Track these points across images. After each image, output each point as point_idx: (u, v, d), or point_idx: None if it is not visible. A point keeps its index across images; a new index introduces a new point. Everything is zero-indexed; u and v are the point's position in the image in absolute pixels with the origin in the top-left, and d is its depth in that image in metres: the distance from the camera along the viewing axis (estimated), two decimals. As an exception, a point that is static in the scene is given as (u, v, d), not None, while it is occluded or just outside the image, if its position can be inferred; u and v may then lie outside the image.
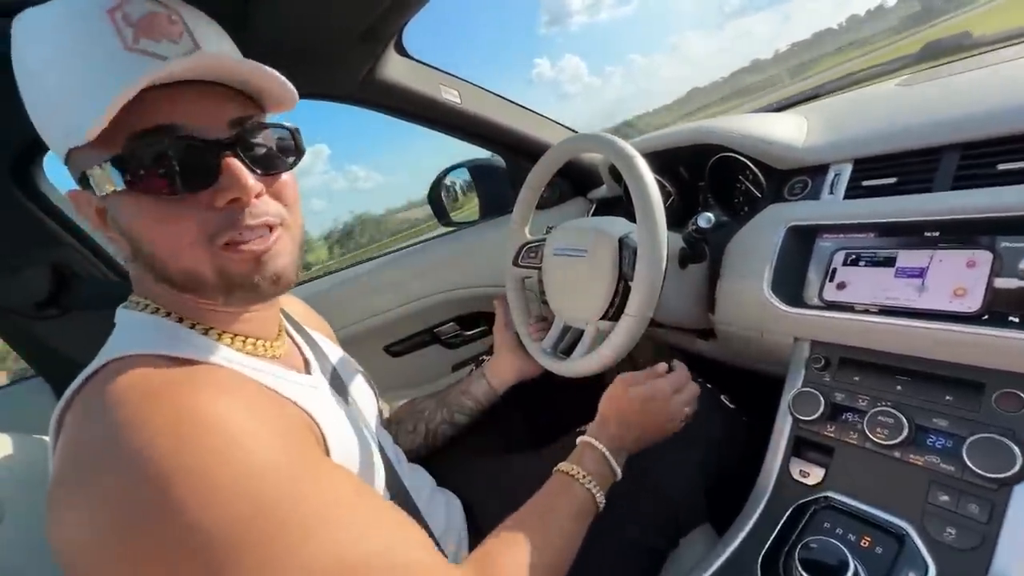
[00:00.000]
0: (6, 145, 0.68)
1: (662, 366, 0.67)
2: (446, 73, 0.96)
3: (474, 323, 1.21)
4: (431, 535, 0.54)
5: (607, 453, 0.58)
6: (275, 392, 0.43)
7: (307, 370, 0.55)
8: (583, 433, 0.68)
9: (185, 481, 0.31)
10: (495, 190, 1.23)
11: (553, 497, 0.55)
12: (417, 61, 0.92)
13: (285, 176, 0.45)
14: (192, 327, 0.44)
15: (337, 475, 0.41)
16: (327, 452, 0.45)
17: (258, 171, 0.41)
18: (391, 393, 1.11)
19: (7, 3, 0.51)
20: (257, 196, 0.41)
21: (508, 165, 1.20)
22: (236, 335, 0.46)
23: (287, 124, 0.45)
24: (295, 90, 0.43)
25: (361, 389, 0.64)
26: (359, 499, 0.40)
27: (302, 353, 0.57)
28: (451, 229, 1.24)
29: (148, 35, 0.38)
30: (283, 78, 0.41)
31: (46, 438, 0.60)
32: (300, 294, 1.08)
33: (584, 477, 0.56)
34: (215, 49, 0.42)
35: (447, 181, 1.29)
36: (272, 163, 0.43)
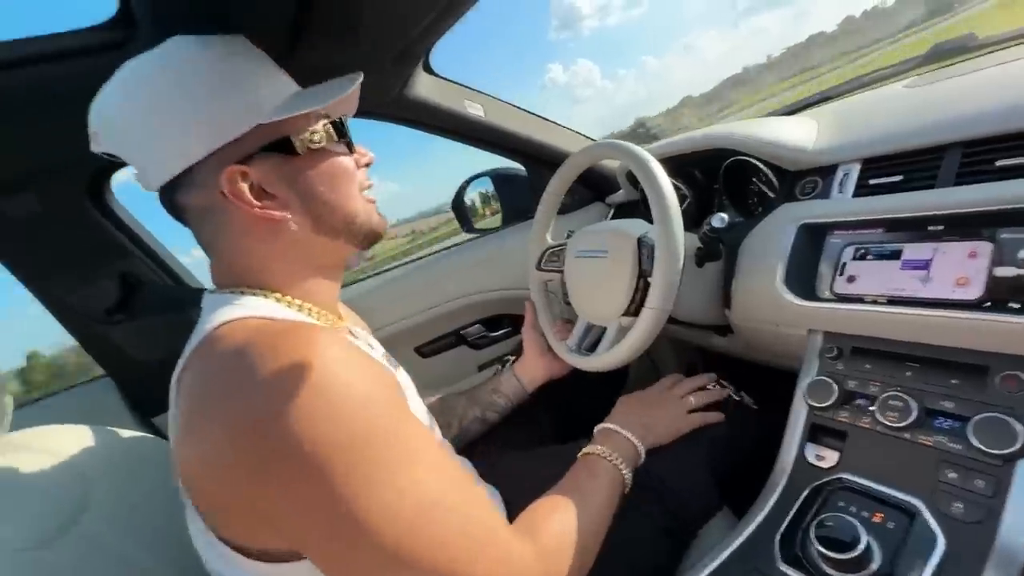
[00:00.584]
0: (83, 167, 0.77)
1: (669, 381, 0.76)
2: (470, 89, 1.03)
3: (498, 325, 1.26)
4: None
5: (623, 431, 0.64)
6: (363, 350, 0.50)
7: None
8: None
9: (313, 396, 0.36)
10: (517, 198, 1.28)
11: (583, 476, 0.60)
12: (443, 79, 0.98)
13: None
14: (277, 300, 0.51)
15: (423, 427, 0.46)
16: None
17: None
18: (421, 392, 1.16)
19: (109, 40, 0.60)
20: None
21: (529, 173, 1.25)
22: (316, 308, 0.54)
23: None
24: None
25: (407, 378, 0.70)
26: (442, 452, 0.45)
27: (357, 338, 0.63)
28: (475, 236, 1.30)
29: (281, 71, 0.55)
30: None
31: (118, 430, 0.67)
32: (342, 295, 1.15)
33: (611, 455, 0.61)
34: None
35: (470, 191, 1.36)
36: None
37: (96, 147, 0.50)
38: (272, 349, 0.38)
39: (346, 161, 0.54)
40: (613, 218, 1.22)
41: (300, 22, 0.65)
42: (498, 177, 1.31)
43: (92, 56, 0.62)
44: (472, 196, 1.37)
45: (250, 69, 0.50)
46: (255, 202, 0.48)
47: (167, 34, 0.65)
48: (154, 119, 0.47)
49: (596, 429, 0.68)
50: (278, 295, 0.51)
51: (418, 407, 0.53)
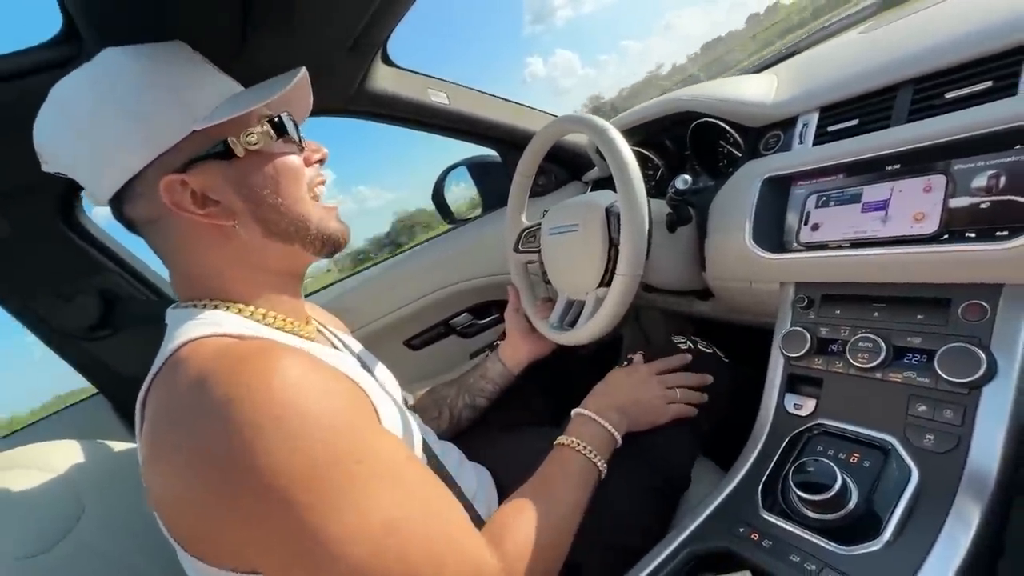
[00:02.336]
0: (51, 187, 0.77)
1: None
2: (432, 77, 1.02)
3: (486, 312, 1.27)
4: (463, 497, 0.59)
5: (599, 419, 0.63)
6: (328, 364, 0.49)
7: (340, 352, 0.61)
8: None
9: (273, 428, 0.35)
10: (494, 184, 1.28)
11: (554, 468, 0.60)
12: (403, 69, 0.98)
13: None
14: (239, 312, 0.50)
15: (390, 440, 0.46)
16: (378, 419, 0.49)
17: None
18: (413, 384, 1.16)
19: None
20: None
21: (503, 159, 1.25)
22: (279, 316, 0.53)
23: None
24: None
25: (386, 375, 0.70)
26: (409, 465, 0.44)
27: (330, 340, 0.64)
28: (456, 226, 1.31)
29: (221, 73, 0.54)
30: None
31: (110, 443, 0.68)
32: (320, 299, 1.15)
33: (580, 445, 0.61)
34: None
35: (448, 182, 1.36)
36: None
37: (45, 167, 0.51)
38: (230, 377, 0.38)
39: (291, 160, 0.52)
40: (590, 195, 1.22)
41: (244, 23, 0.65)
42: (473, 166, 1.30)
43: (42, 74, 0.62)
44: (455, 189, 1.37)
45: (184, 74, 0.50)
46: (198, 210, 0.48)
47: (112, 44, 0.65)
48: (89, 136, 0.46)
49: (573, 413, 0.67)
50: (240, 306, 0.50)
51: (390, 412, 0.52)
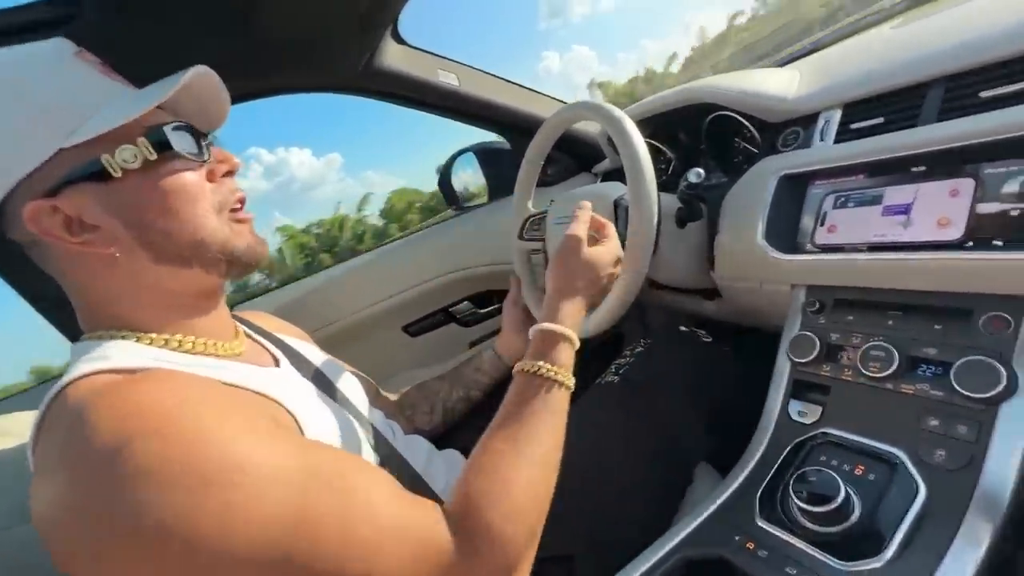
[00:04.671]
0: None
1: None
2: (443, 58, 0.99)
3: (488, 301, 1.25)
4: (431, 492, 0.56)
5: (568, 331, 0.56)
6: (234, 385, 0.45)
7: (276, 364, 0.57)
8: (599, 384, 0.71)
9: (132, 475, 0.33)
10: (502, 171, 1.25)
11: (527, 410, 0.50)
12: (414, 48, 0.95)
13: None
14: (148, 343, 0.46)
15: (298, 446, 0.41)
16: (300, 429, 0.46)
17: None
18: (410, 371, 1.15)
19: None
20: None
21: (512, 145, 1.22)
22: (193, 338, 0.48)
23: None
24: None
25: (340, 375, 0.66)
26: (326, 463, 0.40)
27: (269, 351, 0.59)
28: (460, 212, 1.28)
29: (108, 73, 0.47)
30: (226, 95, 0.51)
31: None
32: (318, 280, 1.14)
33: (557, 371, 0.53)
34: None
35: (455, 168, 1.34)
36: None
37: None
38: (99, 417, 0.35)
39: (183, 179, 0.46)
40: (599, 187, 1.20)
41: None
42: (481, 152, 1.28)
43: (28, 35, 0.60)
44: (462, 175, 1.35)
45: (57, 83, 0.44)
46: (70, 238, 0.43)
47: (112, 8, 0.63)
48: None
49: (532, 331, 0.57)
50: (140, 334, 0.46)
51: (322, 420, 0.50)
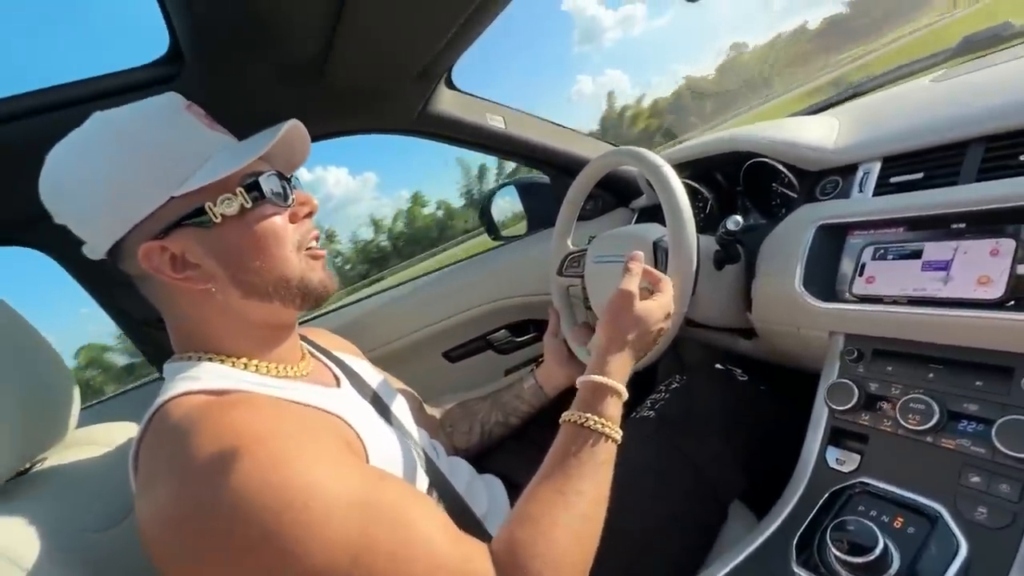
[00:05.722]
0: None
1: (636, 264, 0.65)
2: (490, 102, 1.06)
3: (524, 330, 1.29)
4: (473, 517, 0.60)
5: (617, 385, 0.57)
6: (305, 404, 0.51)
7: (337, 384, 0.62)
8: (634, 418, 0.73)
9: (227, 492, 0.38)
10: (541, 205, 1.30)
11: (568, 455, 0.52)
12: (464, 93, 1.02)
13: None
14: (230, 364, 0.52)
15: (362, 472, 0.46)
16: (364, 449, 0.51)
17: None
18: (449, 395, 1.19)
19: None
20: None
21: (552, 181, 1.27)
22: (266, 363, 0.54)
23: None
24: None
25: (393, 395, 0.70)
26: (386, 493, 0.44)
27: (331, 371, 0.64)
28: (501, 243, 1.34)
29: (213, 126, 0.53)
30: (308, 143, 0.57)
31: None
32: (363, 306, 1.20)
33: (604, 424, 0.53)
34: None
35: (495, 199, 1.40)
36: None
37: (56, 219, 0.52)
38: (197, 436, 0.41)
39: (272, 223, 0.51)
40: (636, 223, 1.23)
41: (327, 50, 0.70)
42: (522, 185, 1.34)
43: (145, 90, 0.69)
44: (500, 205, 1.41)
45: (165, 136, 0.49)
46: (175, 275, 0.49)
47: (210, 66, 0.71)
48: (75, 202, 0.49)
49: (581, 381, 0.58)
50: (224, 357, 0.52)
51: (383, 440, 0.54)
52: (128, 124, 0.49)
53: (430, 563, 0.42)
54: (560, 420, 0.56)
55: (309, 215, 0.56)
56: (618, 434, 0.55)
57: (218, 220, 0.49)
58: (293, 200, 0.54)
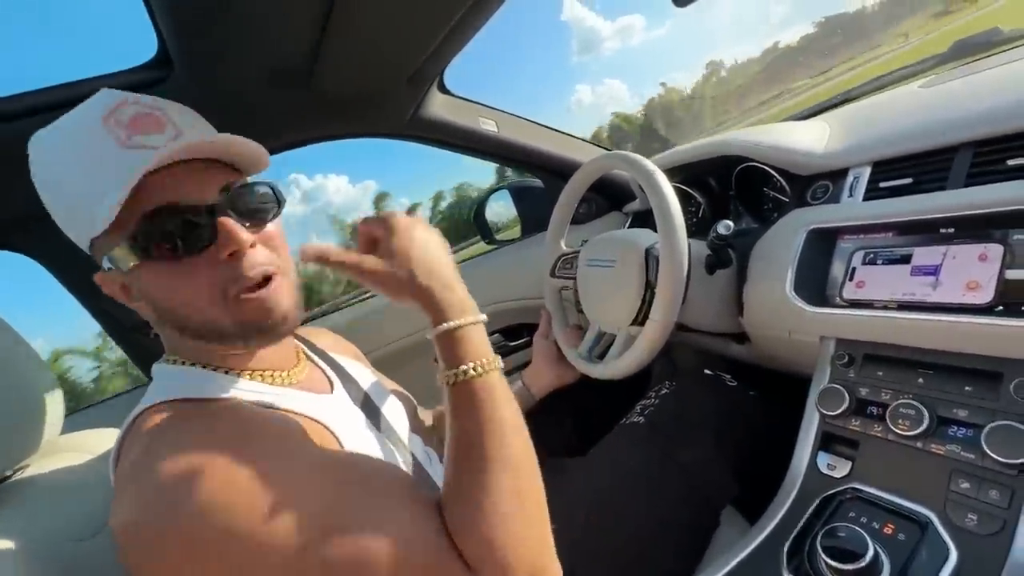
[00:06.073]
0: None
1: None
2: (483, 105, 1.06)
3: (518, 334, 1.28)
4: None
5: (470, 318, 0.51)
6: (291, 411, 0.50)
7: (330, 390, 0.60)
8: (624, 424, 0.73)
9: (179, 504, 0.38)
10: (534, 209, 1.30)
11: (472, 415, 0.48)
12: (457, 97, 1.02)
13: (271, 227, 0.49)
14: (215, 370, 0.50)
15: (333, 465, 0.45)
16: (340, 447, 0.50)
17: (247, 224, 0.46)
18: (439, 400, 1.18)
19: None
20: (252, 247, 0.46)
21: (546, 185, 1.27)
22: (256, 371, 0.52)
23: (266, 180, 0.50)
24: (266, 152, 0.48)
25: (387, 400, 0.69)
26: (351, 486, 0.43)
27: (326, 376, 0.63)
28: (495, 247, 1.33)
29: (138, 132, 0.44)
30: (253, 143, 0.46)
31: None
32: (361, 309, 1.20)
33: (486, 363, 0.49)
34: (195, 134, 0.47)
35: (489, 203, 1.39)
36: (259, 216, 0.48)
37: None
38: (164, 447, 0.40)
39: (178, 274, 0.44)
40: (630, 227, 1.23)
41: (315, 54, 0.69)
42: (516, 189, 1.33)
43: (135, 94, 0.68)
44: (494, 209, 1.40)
45: (78, 172, 0.44)
46: (129, 302, 0.48)
47: (198, 69, 0.71)
48: (48, 202, 0.47)
49: (434, 334, 0.50)
50: (210, 364, 0.50)
51: (362, 441, 0.53)
52: (49, 154, 0.45)
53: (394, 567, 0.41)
54: (442, 387, 0.50)
55: (233, 256, 0.45)
56: (498, 362, 0.50)
57: (131, 264, 0.44)
58: (218, 239, 0.44)
